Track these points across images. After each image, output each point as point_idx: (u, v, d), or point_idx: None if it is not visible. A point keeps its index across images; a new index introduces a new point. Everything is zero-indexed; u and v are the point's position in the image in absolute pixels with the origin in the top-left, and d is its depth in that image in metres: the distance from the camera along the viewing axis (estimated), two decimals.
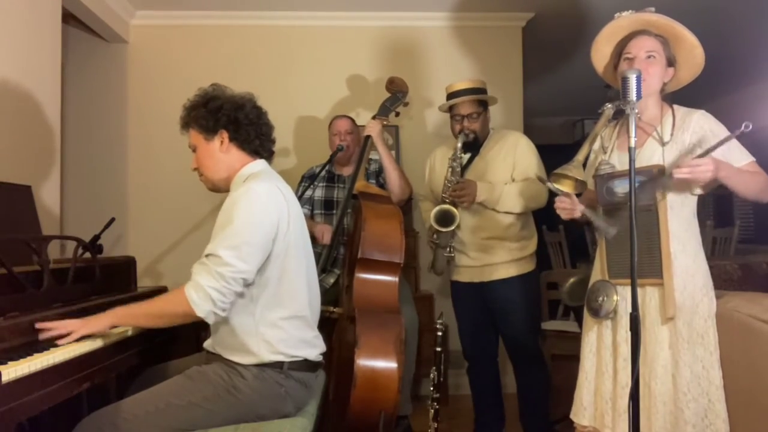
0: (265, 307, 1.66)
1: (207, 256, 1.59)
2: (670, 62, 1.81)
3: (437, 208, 2.49)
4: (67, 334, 1.53)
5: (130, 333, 1.75)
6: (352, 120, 3.03)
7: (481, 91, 2.60)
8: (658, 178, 1.71)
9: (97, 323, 1.59)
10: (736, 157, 1.73)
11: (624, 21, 1.82)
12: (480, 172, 2.56)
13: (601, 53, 1.92)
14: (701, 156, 1.64)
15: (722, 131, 1.75)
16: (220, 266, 1.55)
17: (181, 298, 1.56)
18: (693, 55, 1.80)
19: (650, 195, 1.72)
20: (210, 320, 1.58)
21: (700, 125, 1.76)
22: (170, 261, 3.66)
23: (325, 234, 2.74)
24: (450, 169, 2.52)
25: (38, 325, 1.52)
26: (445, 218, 2.47)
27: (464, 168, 2.56)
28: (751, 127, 1.58)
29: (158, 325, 1.71)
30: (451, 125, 2.63)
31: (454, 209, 2.46)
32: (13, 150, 2.43)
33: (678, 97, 1.89)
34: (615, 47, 1.87)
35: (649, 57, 1.76)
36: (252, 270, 1.60)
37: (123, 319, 1.66)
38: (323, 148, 3.07)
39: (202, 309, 1.55)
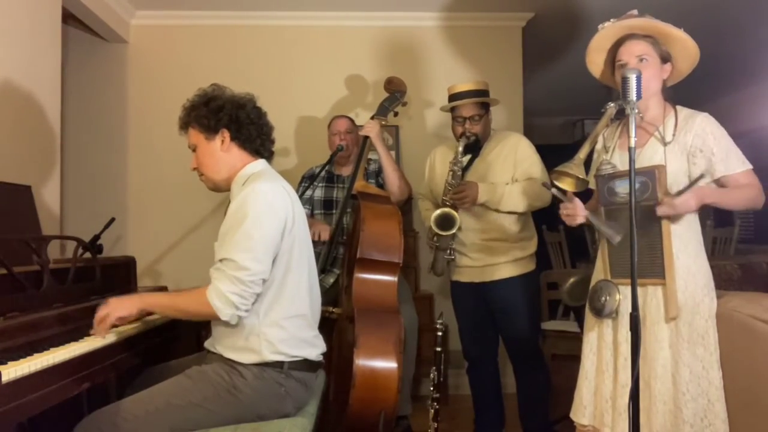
0: (269, 306, 1.67)
1: (222, 260, 1.60)
2: (665, 59, 1.82)
3: (438, 211, 2.48)
4: (78, 327, 1.61)
5: (133, 332, 1.76)
6: (351, 120, 3.03)
7: (484, 93, 2.59)
8: (650, 185, 1.73)
9: (126, 306, 1.67)
10: (733, 164, 1.75)
11: (609, 31, 1.84)
12: (481, 174, 2.56)
13: (594, 63, 1.94)
14: (681, 192, 1.69)
15: (723, 135, 1.77)
16: (237, 271, 1.57)
17: (206, 301, 1.59)
18: (685, 48, 1.81)
19: (646, 199, 1.73)
20: (233, 321, 1.62)
21: (702, 128, 1.76)
22: (170, 261, 3.66)
23: (322, 232, 2.73)
24: (451, 173, 2.51)
25: (93, 331, 1.64)
26: (445, 222, 2.46)
27: (465, 170, 2.55)
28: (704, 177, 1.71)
29: (180, 318, 1.79)
30: (452, 126, 2.63)
31: (454, 212, 2.45)
32: (14, 150, 2.43)
33: (678, 96, 1.89)
34: (608, 54, 1.89)
35: (641, 61, 1.78)
36: (267, 269, 1.63)
37: (150, 306, 1.73)
38: (323, 148, 3.07)
39: (226, 313, 1.59)
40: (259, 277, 1.60)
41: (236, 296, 1.57)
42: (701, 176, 1.71)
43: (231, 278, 1.57)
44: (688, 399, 1.68)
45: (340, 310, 2.48)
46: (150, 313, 1.84)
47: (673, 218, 1.75)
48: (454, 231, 2.46)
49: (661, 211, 1.69)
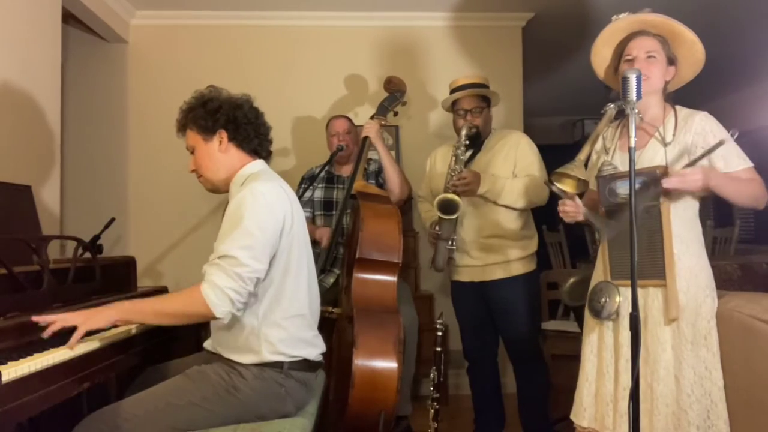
0: (269, 306, 1.67)
1: (221, 257, 1.59)
2: (671, 61, 1.82)
3: (440, 196, 2.45)
4: (71, 329, 1.49)
5: (133, 332, 1.75)
6: (350, 119, 3.03)
7: (484, 86, 2.60)
8: (651, 186, 1.71)
9: (100, 318, 1.55)
10: (734, 162, 1.73)
11: (622, 23, 1.83)
12: (481, 169, 2.55)
13: (600, 56, 1.92)
14: (690, 165, 1.66)
15: (723, 134, 1.75)
16: (236, 267, 1.56)
17: (198, 298, 1.54)
18: (693, 51, 1.80)
19: (647, 200, 1.72)
20: (226, 320, 1.60)
21: (701, 127, 1.76)
22: (170, 261, 3.66)
23: (324, 238, 2.74)
24: (454, 158, 2.50)
25: (35, 318, 1.49)
26: (447, 206, 2.44)
27: (466, 164, 2.55)
28: (737, 134, 1.64)
29: (166, 324, 1.70)
30: (453, 120, 2.63)
31: (457, 198, 2.43)
32: (13, 150, 2.43)
33: (678, 97, 1.90)
34: (615, 49, 1.88)
35: (649, 57, 1.77)
36: (265, 268, 1.62)
37: (129, 315, 1.62)
38: (323, 149, 3.07)
39: (221, 310, 1.55)
40: (256, 275, 1.60)
41: (234, 292, 1.56)
42: (720, 143, 1.64)
43: (230, 274, 1.56)
44: (693, 401, 1.68)
45: (339, 310, 2.48)
46: None
47: (674, 199, 1.72)
48: (457, 215, 2.43)
49: (668, 183, 1.64)
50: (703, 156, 1.66)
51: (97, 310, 1.57)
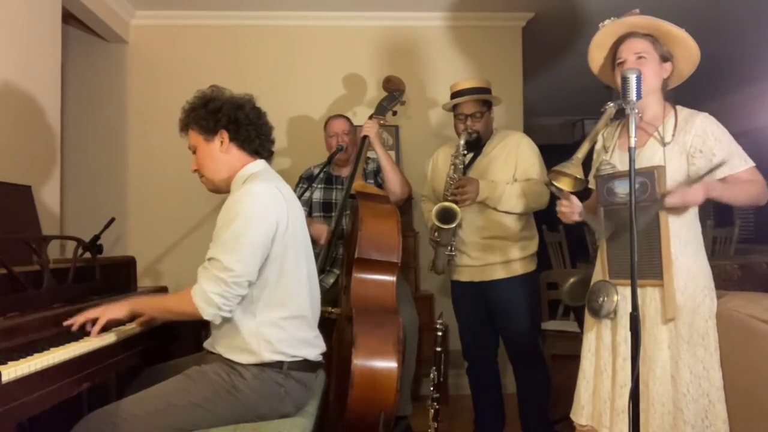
0: (266, 307, 1.67)
1: (209, 260, 1.61)
2: (665, 58, 1.82)
3: (439, 205, 2.47)
4: (94, 320, 1.63)
5: (133, 332, 1.76)
6: (348, 119, 3.01)
7: (485, 90, 2.60)
8: (648, 186, 1.73)
9: (117, 309, 1.69)
10: (736, 163, 1.74)
11: (609, 28, 1.85)
12: (482, 172, 2.56)
13: (596, 60, 1.95)
14: (692, 183, 1.68)
15: (724, 135, 1.76)
16: (221, 271, 1.57)
17: (189, 300, 1.60)
18: (685, 47, 1.81)
19: (648, 218, 1.73)
20: (216, 321, 1.63)
21: (702, 128, 1.76)
22: (170, 261, 3.66)
23: (322, 235, 2.72)
24: (452, 167, 2.52)
25: (66, 323, 1.62)
26: (446, 216, 2.46)
27: (467, 167, 2.56)
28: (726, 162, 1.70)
29: (170, 320, 1.82)
30: (454, 124, 2.63)
31: (455, 207, 2.45)
32: (13, 150, 2.43)
33: (678, 97, 1.89)
34: (608, 52, 1.89)
35: (639, 58, 1.78)
36: (253, 271, 1.62)
37: (139, 307, 1.75)
38: (322, 149, 3.07)
39: (208, 313, 1.60)
40: (244, 278, 1.60)
41: (219, 297, 1.58)
42: (722, 163, 1.67)
43: (215, 278, 1.58)
44: (689, 400, 1.68)
45: (339, 310, 2.48)
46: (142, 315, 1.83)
47: (674, 213, 1.73)
48: (455, 224, 2.45)
49: (670, 201, 1.67)
50: (706, 174, 1.68)
51: (114, 304, 1.71)
